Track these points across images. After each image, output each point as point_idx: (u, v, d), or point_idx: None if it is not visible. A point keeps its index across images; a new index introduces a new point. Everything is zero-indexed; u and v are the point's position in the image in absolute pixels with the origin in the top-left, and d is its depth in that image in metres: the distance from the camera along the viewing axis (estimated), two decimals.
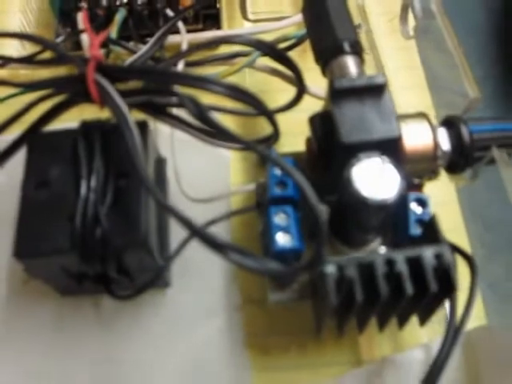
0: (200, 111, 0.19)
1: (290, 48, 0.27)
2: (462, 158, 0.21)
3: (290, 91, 0.23)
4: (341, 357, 0.23)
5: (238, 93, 0.20)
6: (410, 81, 0.30)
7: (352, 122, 0.20)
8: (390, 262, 0.17)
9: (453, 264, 0.17)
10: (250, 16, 0.31)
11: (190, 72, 0.25)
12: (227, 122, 0.21)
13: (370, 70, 0.31)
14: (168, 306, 0.24)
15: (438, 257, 0.17)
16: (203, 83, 0.20)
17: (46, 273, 0.21)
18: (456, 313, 0.19)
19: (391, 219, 0.20)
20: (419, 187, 0.22)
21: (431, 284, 0.17)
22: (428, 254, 0.17)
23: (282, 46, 0.27)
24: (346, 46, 0.22)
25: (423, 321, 0.20)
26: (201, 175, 0.25)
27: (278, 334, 0.23)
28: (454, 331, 0.19)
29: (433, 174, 0.22)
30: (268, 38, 0.26)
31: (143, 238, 0.19)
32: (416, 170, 0.21)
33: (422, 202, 0.21)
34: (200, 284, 0.24)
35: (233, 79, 0.25)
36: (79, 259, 0.19)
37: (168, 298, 0.24)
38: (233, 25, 0.31)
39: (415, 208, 0.21)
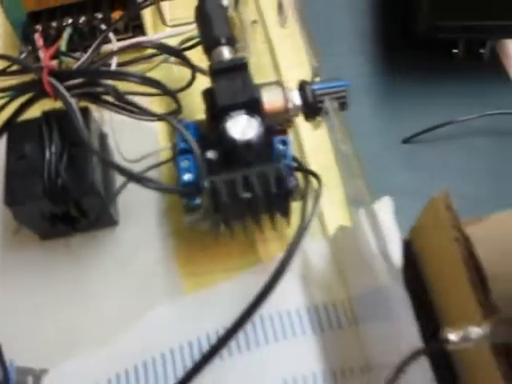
0: (119, 96, 0.29)
1: (194, 45, 0.36)
2: (309, 110, 0.31)
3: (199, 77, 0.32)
4: (246, 260, 0.32)
5: (148, 80, 0.30)
6: (296, 60, 0.40)
7: (225, 91, 0.29)
8: (245, 177, 0.27)
9: (285, 173, 0.27)
10: (169, 22, 0.40)
11: (118, 69, 0.34)
12: (151, 103, 0.30)
13: (265, 55, 0.41)
14: (117, 241, 0.33)
15: (278, 170, 0.27)
16: (124, 76, 0.30)
17: (29, 218, 0.30)
18: (306, 217, 0.29)
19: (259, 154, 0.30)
20: (284, 132, 0.31)
21: (271, 187, 0.26)
22: (269, 168, 0.27)
23: (189, 44, 0.36)
24: (222, 40, 0.31)
25: (287, 221, 0.30)
26: (135, 143, 0.34)
27: (201, 249, 0.33)
28: (301, 229, 0.28)
29: (290, 123, 0.31)
30: (180, 39, 0.36)
31: (90, 186, 0.29)
32: (276, 120, 0.30)
33: (284, 142, 0.30)
34: (140, 221, 0.33)
35: (161, 72, 0.34)
36: (49, 203, 0.29)
37: (116, 234, 0.33)
38: (157, 31, 0.40)
39: (279, 146, 0.30)
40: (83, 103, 0.31)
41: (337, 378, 0.28)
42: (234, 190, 0.27)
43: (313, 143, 0.35)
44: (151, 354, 0.29)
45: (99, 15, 0.37)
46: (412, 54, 0.42)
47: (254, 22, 0.41)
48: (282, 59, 0.40)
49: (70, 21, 0.37)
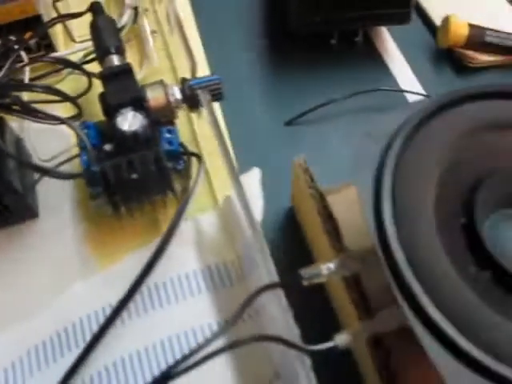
0: (23, 104, 0.34)
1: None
2: (189, 102, 0.37)
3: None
4: (150, 237, 0.37)
5: (50, 90, 0.36)
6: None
7: (114, 92, 0.35)
8: (130, 161, 0.32)
9: (163, 155, 0.32)
10: (77, 39, 0.46)
11: (24, 83, 0.39)
12: (60, 109, 0.36)
13: (164, 60, 0.46)
14: (39, 231, 0.38)
15: (157, 152, 0.33)
16: (28, 87, 0.35)
17: None
18: (189, 190, 0.34)
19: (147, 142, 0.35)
20: (171, 123, 0.37)
21: (151, 167, 0.32)
22: (149, 152, 0.33)
23: (91, 57, 0.42)
24: (112, 49, 0.37)
25: (176, 198, 0.35)
26: (50, 145, 0.39)
27: (109, 232, 0.38)
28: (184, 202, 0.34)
29: (174, 114, 0.37)
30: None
31: (7, 184, 0.34)
32: (161, 113, 0.36)
33: (170, 131, 0.36)
34: (57, 212, 0.38)
35: (71, 83, 0.40)
36: None
37: (38, 225, 0.38)
38: (67, 47, 0.46)
39: (166, 134, 0.36)
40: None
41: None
42: (120, 172, 0.32)
43: (202, 130, 0.41)
44: (64, 324, 0.34)
45: (13, 37, 0.43)
46: (295, 45, 0.48)
47: (154, 32, 0.47)
48: (177, 62, 0.45)
49: None
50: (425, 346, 0.24)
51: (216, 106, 0.42)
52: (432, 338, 0.24)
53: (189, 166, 0.36)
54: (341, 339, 0.28)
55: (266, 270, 0.31)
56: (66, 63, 0.38)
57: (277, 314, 0.30)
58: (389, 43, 0.49)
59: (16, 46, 0.42)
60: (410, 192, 0.28)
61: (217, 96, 0.37)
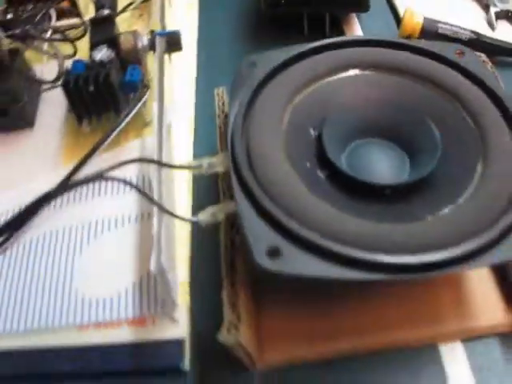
0: (34, 37, 0.46)
1: None
2: (153, 49, 0.46)
3: None
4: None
5: (58, 32, 0.47)
6: None
7: (96, 33, 0.46)
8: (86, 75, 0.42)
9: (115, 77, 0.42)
10: None
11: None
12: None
13: None
14: (27, 140, 0.49)
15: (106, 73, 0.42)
16: (42, 30, 0.47)
17: None
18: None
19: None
20: (138, 62, 0.47)
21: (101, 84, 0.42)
22: (101, 72, 0.43)
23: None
24: (106, 5, 0.48)
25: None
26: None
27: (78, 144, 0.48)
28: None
29: (140, 56, 0.46)
30: None
31: (13, 94, 0.46)
32: (130, 55, 0.46)
33: (134, 68, 0.46)
34: (48, 126, 0.49)
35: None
36: None
37: (29, 134, 0.49)
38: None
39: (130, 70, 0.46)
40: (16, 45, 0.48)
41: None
42: (78, 84, 0.42)
43: None
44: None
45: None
46: (272, 30, 0.56)
47: None
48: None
49: None
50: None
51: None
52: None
53: (142, 95, 0.45)
54: (204, 216, 0.35)
55: None
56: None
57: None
58: (357, 32, 0.55)
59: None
60: (261, 139, 0.33)
61: (175, 46, 0.47)
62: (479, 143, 0.33)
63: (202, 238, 0.40)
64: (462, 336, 0.36)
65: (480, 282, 0.37)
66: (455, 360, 0.36)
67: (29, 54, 0.50)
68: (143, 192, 0.35)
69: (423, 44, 0.37)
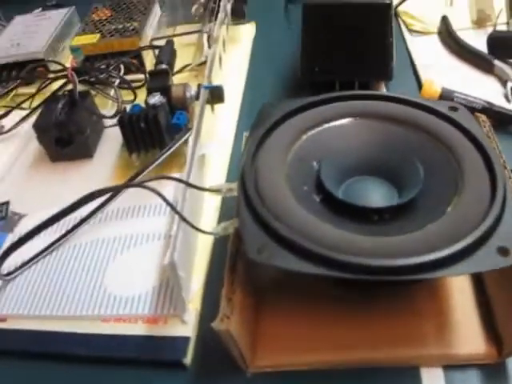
0: (103, 82, 0.56)
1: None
2: (198, 99, 0.55)
3: None
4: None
5: (125, 81, 0.57)
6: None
7: (153, 82, 0.55)
8: (138, 115, 0.51)
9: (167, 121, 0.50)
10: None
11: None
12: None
13: None
14: (90, 169, 0.57)
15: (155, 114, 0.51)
16: (113, 77, 0.57)
17: (43, 141, 0.57)
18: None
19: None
20: (186, 109, 0.55)
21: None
22: (150, 113, 0.51)
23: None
24: (164, 61, 0.57)
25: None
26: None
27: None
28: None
29: (188, 104, 0.55)
30: None
31: (78, 126, 0.55)
32: (179, 102, 0.55)
33: (182, 113, 0.54)
34: (105, 157, 0.58)
35: None
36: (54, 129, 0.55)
37: (87, 163, 0.58)
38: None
39: (178, 114, 0.54)
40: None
41: None
42: (132, 121, 0.51)
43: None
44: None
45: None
46: (308, 92, 0.63)
47: None
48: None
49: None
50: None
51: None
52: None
53: (183, 135, 0.53)
54: (217, 229, 0.41)
55: None
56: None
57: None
58: None
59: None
60: (268, 167, 0.39)
61: (218, 97, 0.55)
62: (459, 180, 0.37)
63: (221, 252, 0.46)
64: (442, 361, 0.39)
65: (465, 312, 0.40)
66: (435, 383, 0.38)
67: (97, 100, 0.60)
68: (168, 202, 0.41)
69: (419, 100, 0.43)
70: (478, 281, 0.42)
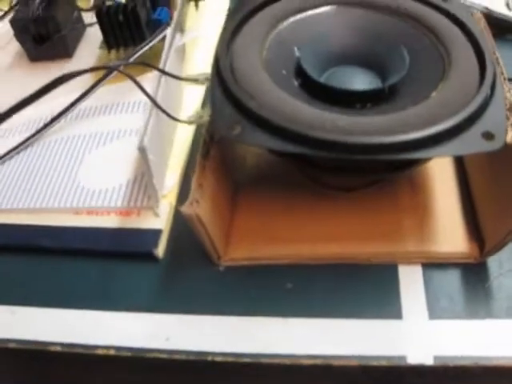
0: None
1: None
2: None
3: None
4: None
5: None
6: None
7: None
8: (117, 5, 0.48)
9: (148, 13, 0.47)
10: None
11: None
12: None
13: None
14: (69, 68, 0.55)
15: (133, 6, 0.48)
16: None
17: (20, 38, 0.54)
18: None
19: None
20: (168, 6, 0.52)
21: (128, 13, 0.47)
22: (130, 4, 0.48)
23: None
24: None
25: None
26: None
27: None
28: None
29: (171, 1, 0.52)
30: None
31: (55, 24, 0.52)
32: None
33: (163, 9, 0.51)
34: (84, 56, 0.55)
35: None
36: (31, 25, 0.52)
37: (70, 63, 0.55)
38: None
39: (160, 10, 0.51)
40: None
41: None
42: (109, 13, 0.48)
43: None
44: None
45: None
46: None
47: None
48: None
49: None
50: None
51: None
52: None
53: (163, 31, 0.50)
54: (191, 117, 0.39)
55: None
56: None
57: None
58: None
59: None
60: (244, 50, 0.36)
61: None
62: (446, 67, 0.35)
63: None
64: (421, 259, 0.38)
65: (447, 209, 0.39)
66: (413, 282, 0.37)
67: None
68: (135, 80, 0.39)
69: None
70: (463, 177, 0.40)
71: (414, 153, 0.30)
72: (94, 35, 0.56)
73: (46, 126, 0.47)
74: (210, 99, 0.34)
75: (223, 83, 0.34)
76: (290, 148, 0.30)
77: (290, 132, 0.30)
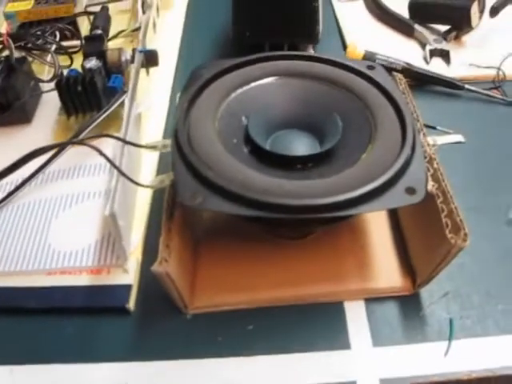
0: (40, 48, 0.56)
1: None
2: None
3: None
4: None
5: (62, 48, 0.57)
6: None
7: (89, 47, 0.56)
8: (75, 78, 0.52)
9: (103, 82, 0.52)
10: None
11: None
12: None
13: None
14: (28, 133, 0.58)
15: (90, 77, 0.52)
16: (49, 43, 0.57)
17: None
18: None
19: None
20: (121, 73, 0.57)
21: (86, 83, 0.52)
22: (86, 76, 0.52)
23: None
24: (99, 27, 0.59)
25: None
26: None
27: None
28: None
29: (123, 69, 0.56)
30: None
31: (15, 92, 0.55)
32: (114, 66, 0.56)
33: (117, 77, 0.56)
34: (43, 122, 0.59)
35: None
36: None
37: (26, 129, 0.58)
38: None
39: (114, 78, 0.56)
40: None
41: None
42: (68, 84, 0.52)
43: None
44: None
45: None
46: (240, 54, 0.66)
47: None
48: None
49: None
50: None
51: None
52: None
53: (119, 97, 0.55)
54: (154, 182, 0.43)
55: None
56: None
57: None
58: None
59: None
60: (199, 122, 0.41)
61: (152, 61, 0.57)
62: (373, 131, 0.41)
63: (160, 206, 0.48)
64: (363, 295, 0.43)
65: (383, 250, 0.45)
66: (357, 315, 0.43)
67: (35, 67, 0.60)
68: (106, 157, 0.43)
69: (340, 59, 0.46)
70: (395, 221, 0.46)
71: (349, 210, 0.36)
72: (51, 100, 0.59)
73: (17, 189, 0.50)
74: (172, 170, 0.38)
75: (183, 156, 0.39)
76: (247, 212, 0.35)
77: (245, 199, 0.35)
